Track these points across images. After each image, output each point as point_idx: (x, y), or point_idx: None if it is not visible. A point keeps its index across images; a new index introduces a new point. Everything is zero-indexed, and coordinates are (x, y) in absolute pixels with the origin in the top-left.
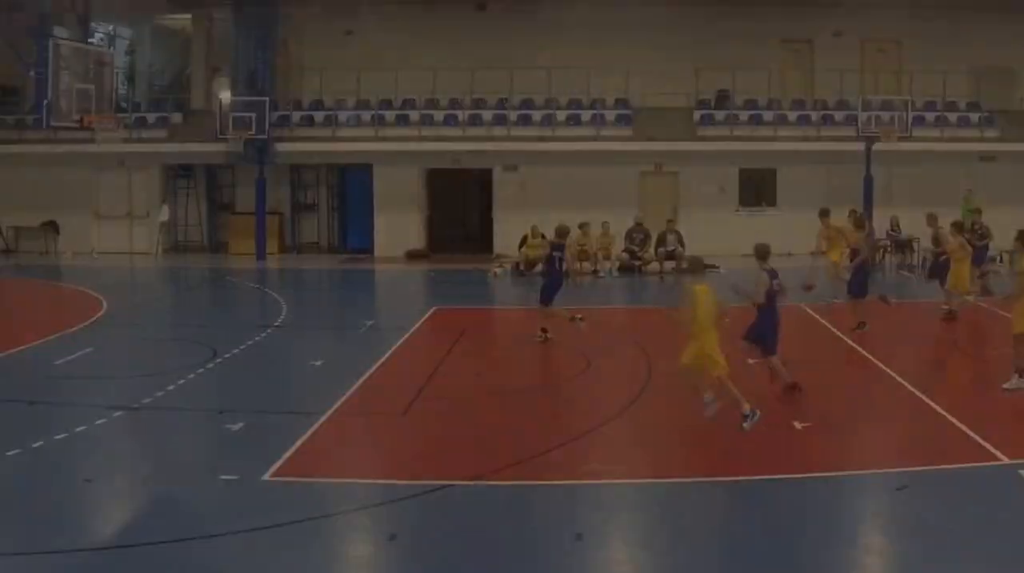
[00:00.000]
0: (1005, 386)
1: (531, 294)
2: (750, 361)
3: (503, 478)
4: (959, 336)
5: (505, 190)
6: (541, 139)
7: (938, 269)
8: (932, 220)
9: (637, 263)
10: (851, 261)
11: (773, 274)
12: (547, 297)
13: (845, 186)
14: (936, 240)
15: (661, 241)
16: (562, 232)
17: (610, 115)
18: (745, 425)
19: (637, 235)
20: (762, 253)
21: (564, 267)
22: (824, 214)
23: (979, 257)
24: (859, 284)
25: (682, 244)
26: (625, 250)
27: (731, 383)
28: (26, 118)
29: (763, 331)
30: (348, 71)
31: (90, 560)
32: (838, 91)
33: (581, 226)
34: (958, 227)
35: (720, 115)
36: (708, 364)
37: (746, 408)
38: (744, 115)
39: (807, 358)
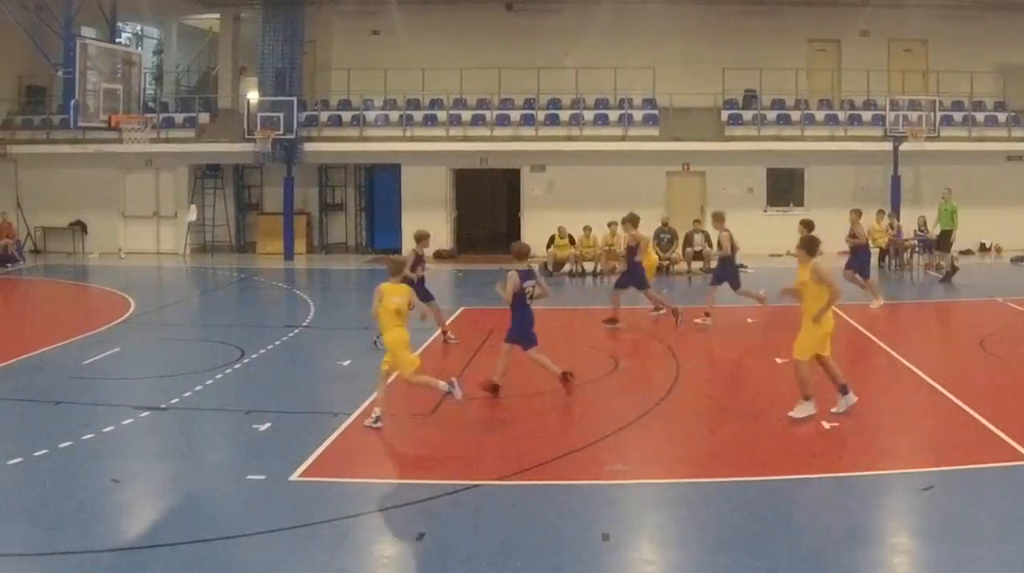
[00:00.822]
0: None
1: (559, 294)
2: (778, 360)
3: (530, 478)
4: (986, 334)
5: (533, 190)
6: (568, 139)
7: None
8: (856, 214)
9: (665, 263)
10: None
11: (527, 275)
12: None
13: (872, 186)
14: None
15: (688, 241)
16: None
17: (637, 115)
18: (454, 393)
19: (664, 236)
20: (520, 253)
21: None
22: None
23: (859, 259)
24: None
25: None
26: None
27: (422, 377)
28: (53, 118)
29: (518, 330)
30: (375, 71)
31: (117, 560)
32: (865, 91)
33: (609, 226)
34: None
35: (747, 115)
36: (396, 363)
37: (442, 385)
38: (771, 115)
39: (834, 357)
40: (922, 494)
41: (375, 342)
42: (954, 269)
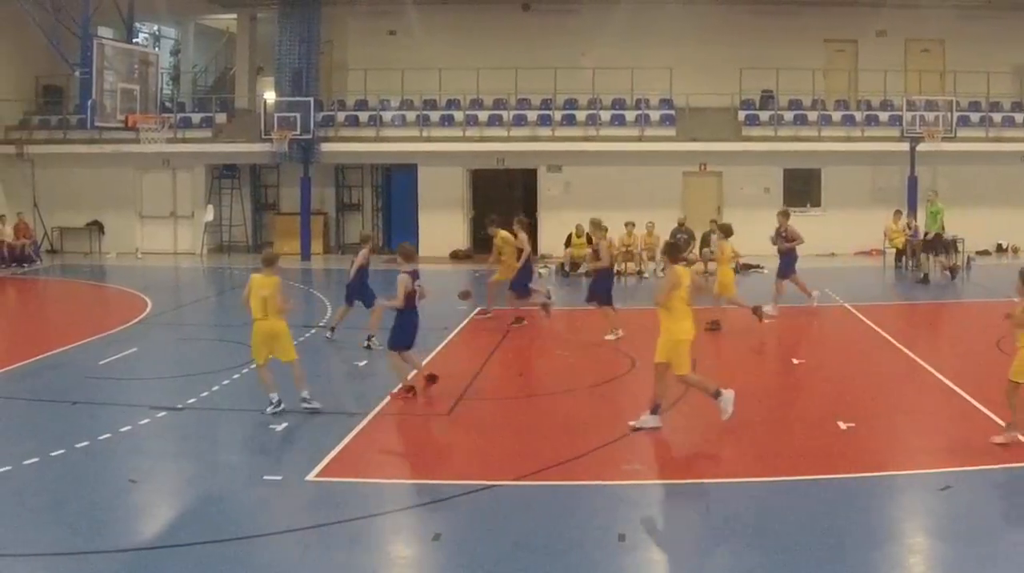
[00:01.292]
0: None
1: (576, 294)
2: (794, 361)
3: (546, 478)
4: (1002, 335)
5: (549, 190)
6: (585, 139)
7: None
8: (783, 216)
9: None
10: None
11: (415, 275)
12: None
13: (889, 186)
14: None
15: (705, 242)
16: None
17: (654, 115)
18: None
19: (681, 236)
20: (406, 254)
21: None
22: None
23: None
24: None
25: None
26: None
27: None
28: (70, 118)
29: (401, 333)
30: (392, 71)
31: (134, 560)
32: (882, 91)
33: (626, 226)
34: (726, 231)
35: (764, 115)
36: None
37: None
38: (788, 115)
39: (852, 358)
40: (939, 494)
41: (368, 345)
42: (954, 268)
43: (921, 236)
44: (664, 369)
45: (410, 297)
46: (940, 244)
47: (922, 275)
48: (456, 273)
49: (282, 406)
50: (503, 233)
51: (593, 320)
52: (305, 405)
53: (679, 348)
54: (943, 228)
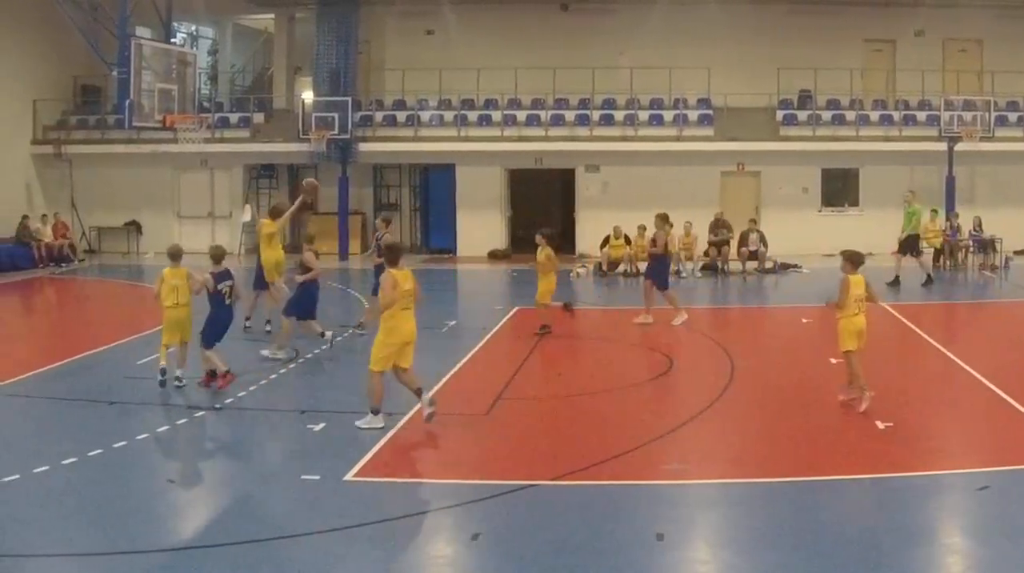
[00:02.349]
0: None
1: (614, 294)
2: (832, 361)
3: (585, 478)
4: None
5: (587, 190)
6: (623, 139)
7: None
8: (661, 221)
9: (719, 266)
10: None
11: (223, 276)
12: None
13: (927, 186)
14: (654, 241)
15: (743, 241)
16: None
17: (692, 115)
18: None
19: (720, 231)
20: (215, 256)
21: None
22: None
23: (656, 269)
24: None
25: (764, 244)
26: (710, 243)
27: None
28: (108, 118)
29: (210, 328)
30: (430, 71)
31: (172, 560)
32: (920, 91)
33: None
34: (548, 238)
35: (802, 115)
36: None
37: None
38: (826, 115)
39: (890, 357)
40: (977, 494)
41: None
42: (928, 278)
43: (956, 236)
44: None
45: (214, 296)
46: (916, 246)
47: (894, 278)
48: (494, 272)
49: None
50: (549, 251)
51: (631, 320)
52: (177, 383)
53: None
54: (916, 229)
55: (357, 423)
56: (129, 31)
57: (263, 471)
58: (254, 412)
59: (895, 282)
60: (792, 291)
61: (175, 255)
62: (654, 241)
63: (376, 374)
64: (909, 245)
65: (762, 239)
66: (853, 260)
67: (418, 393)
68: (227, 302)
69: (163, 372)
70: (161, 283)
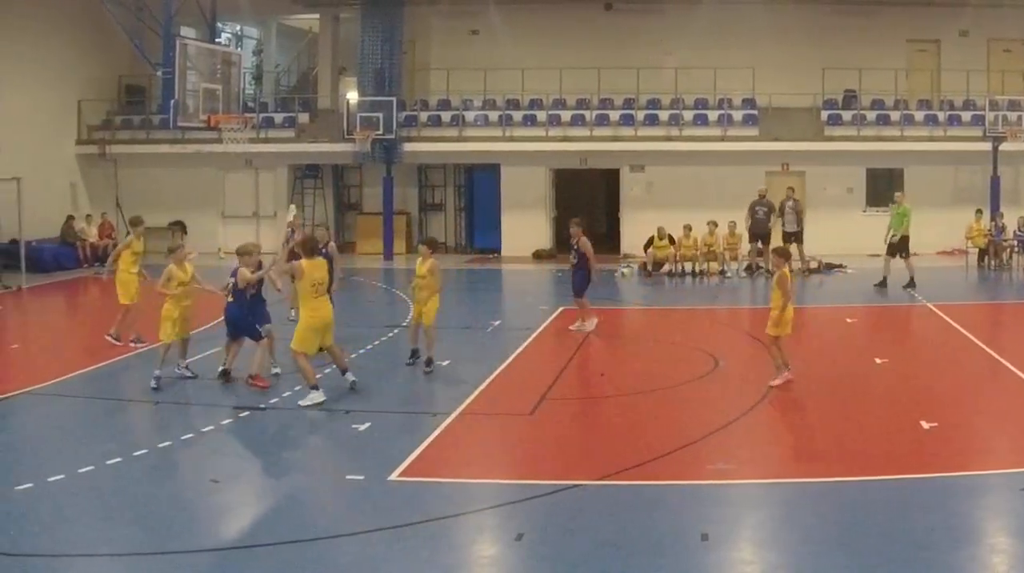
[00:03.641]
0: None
1: (659, 294)
2: (877, 361)
3: (629, 478)
4: None
5: (632, 190)
6: (668, 139)
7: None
8: (576, 224)
9: (761, 267)
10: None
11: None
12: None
13: (972, 186)
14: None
15: (780, 210)
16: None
17: (737, 115)
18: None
19: (760, 209)
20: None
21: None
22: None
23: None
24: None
25: (800, 219)
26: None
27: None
28: (153, 118)
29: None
30: (474, 71)
31: (216, 560)
32: (965, 91)
33: (708, 225)
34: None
35: (847, 115)
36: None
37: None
38: (871, 115)
39: (935, 357)
40: (1022, 494)
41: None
42: (911, 281)
43: (1001, 236)
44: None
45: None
46: (906, 247)
47: (882, 279)
48: (539, 272)
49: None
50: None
51: (675, 320)
52: (154, 384)
53: None
54: (907, 231)
55: (300, 402)
56: (174, 31)
57: (307, 471)
58: (299, 412)
59: (883, 284)
60: (837, 291)
61: (174, 251)
62: (577, 248)
63: (301, 355)
64: (901, 246)
65: (797, 212)
66: (784, 255)
67: (343, 371)
68: (228, 299)
69: (157, 378)
70: (167, 279)
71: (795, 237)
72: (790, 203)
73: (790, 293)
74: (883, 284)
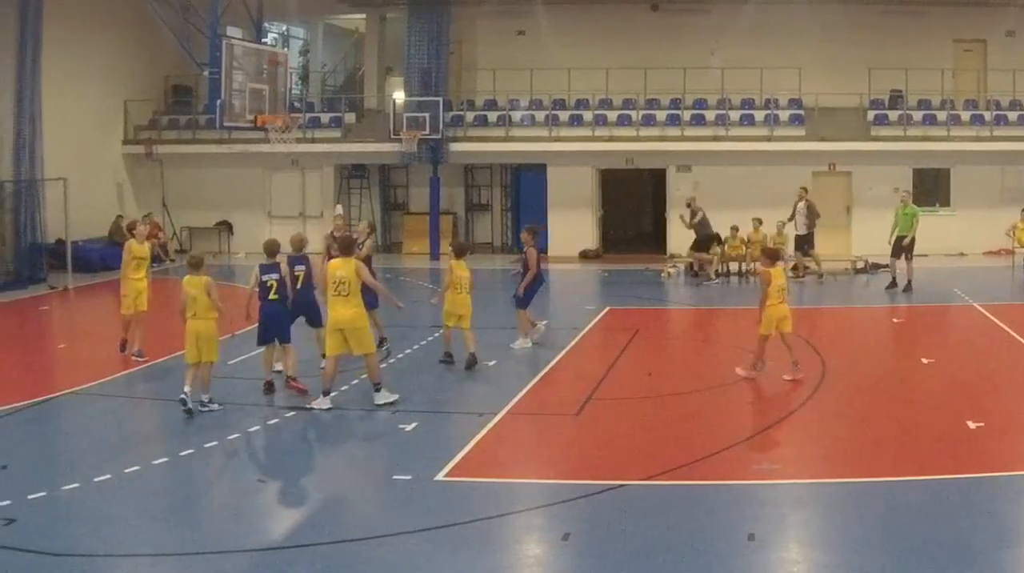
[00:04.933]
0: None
1: (704, 294)
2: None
3: (676, 478)
4: None
5: (678, 190)
6: (714, 139)
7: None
8: (528, 233)
9: (806, 268)
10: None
11: (268, 269)
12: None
13: (1019, 186)
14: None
15: (793, 214)
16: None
17: (783, 115)
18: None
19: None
20: (269, 250)
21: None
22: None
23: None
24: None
25: (812, 220)
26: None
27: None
28: (199, 118)
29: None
30: (521, 71)
31: (263, 560)
32: (1011, 91)
33: (753, 221)
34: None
35: (893, 115)
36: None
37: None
38: (917, 115)
39: (981, 357)
40: None
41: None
42: (908, 284)
43: None
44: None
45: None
46: (912, 249)
47: (890, 281)
48: (585, 272)
49: (210, 406)
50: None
51: (721, 320)
52: (203, 408)
53: None
54: (913, 232)
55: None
56: (220, 31)
57: (354, 471)
58: (345, 412)
59: (893, 285)
60: (883, 291)
61: (196, 264)
62: (526, 261)
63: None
64: (909, 247)
65: (810, 211)
66: (771, 255)
67: (376, 387)
68: (270, 297)
69: (183, 401)
70: (181, 293)
71: (806, 240)
72: (802, 205)
73: (771, 293)
74: (893, 285)
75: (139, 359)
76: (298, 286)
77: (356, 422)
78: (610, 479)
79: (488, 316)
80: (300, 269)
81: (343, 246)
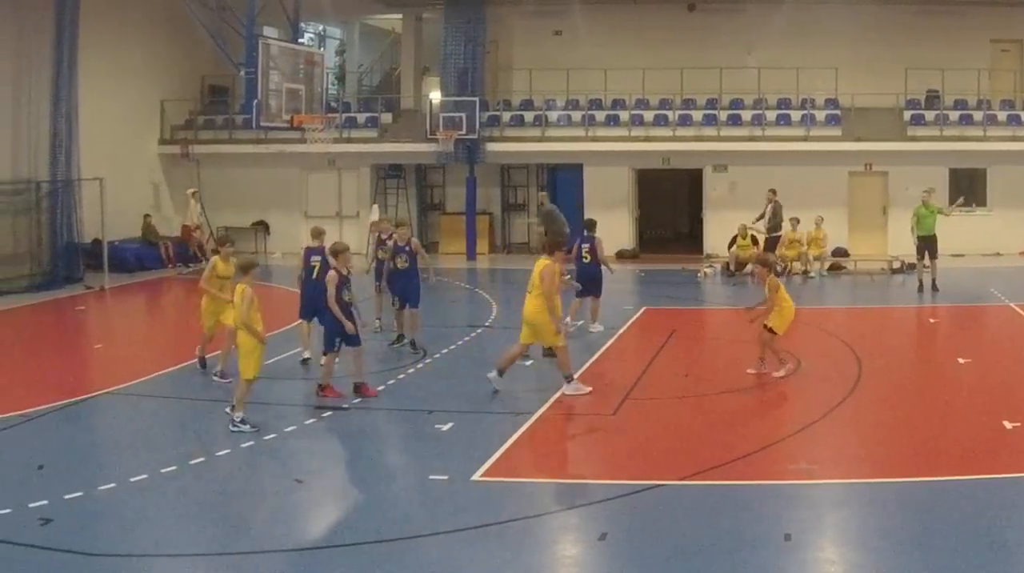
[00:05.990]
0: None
1: (741, 294)
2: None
3: (712, 478)
4: None
5: (715, 190)
6: (751, 139)
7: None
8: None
9: (844, 267)
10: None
11: (313, 251)
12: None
13: None
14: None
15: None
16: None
17: (820, 115)
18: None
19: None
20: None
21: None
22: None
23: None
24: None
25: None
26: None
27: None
28: (236, 118)
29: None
30: (557, 71)
31: (299, 560)
32: None
33: (790, 221)
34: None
35: (930, 115)
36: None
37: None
38: (954, 115)
39: (1017, 357)
40: None
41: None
42: (934, 283)
43: None
44: None
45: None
46: (936, 248)
47: (918, 283)
48: (622, 272)
49: (240, 427)
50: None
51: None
52: (232, 427)
53: None
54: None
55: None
56: (256, 31)
57: (390, 471)
58: (381, 412)
59: (921, 288)
60: (916, 292)
61: (243, 268)
62: (410, 249)
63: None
64: (933, 246)
65: (775, 214)
66: (767, 263)
67: (567, 378)
68: (313, 277)
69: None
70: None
71: (773, 244)
72: (771, 207)
73: (785, 295)
74: (922, 288)
75: (221, 381)
76: (314, 277)
77: (392, 422)
78: (647, 479)
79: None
80: (316, 259)
81: (552, 244)
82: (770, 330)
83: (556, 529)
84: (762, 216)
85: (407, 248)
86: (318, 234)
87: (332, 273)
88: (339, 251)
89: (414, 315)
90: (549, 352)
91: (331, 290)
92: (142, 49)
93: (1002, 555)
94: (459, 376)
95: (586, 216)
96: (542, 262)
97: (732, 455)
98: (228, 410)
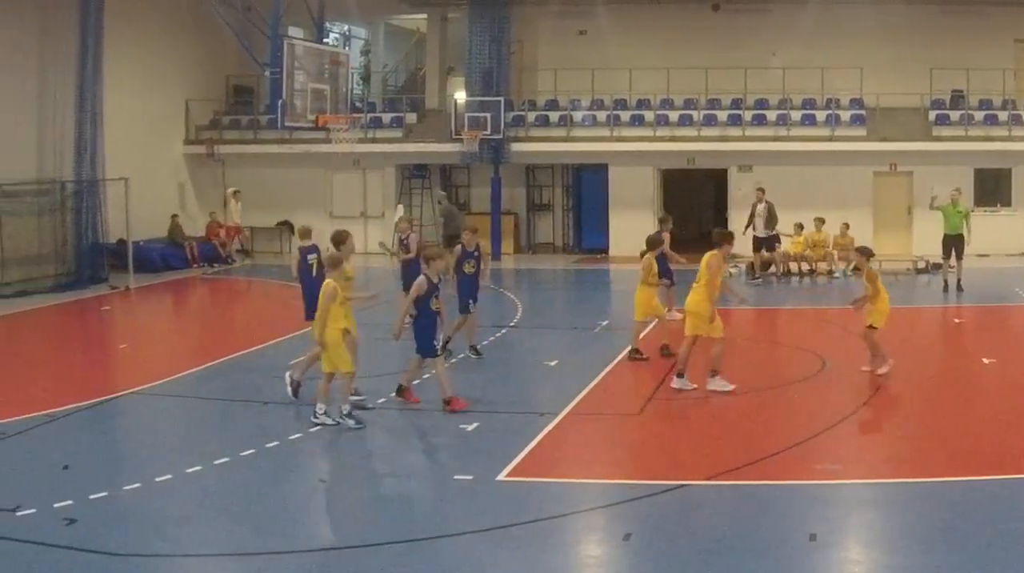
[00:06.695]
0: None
1: (766, 294)
2: (985, 360)
3: (737, 478)
4: None
5: (740, 190)
6: (776, 139)
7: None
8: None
9: (765, 270)
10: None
11: (310, 250)
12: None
13: None
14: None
15: (750, 220)
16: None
17: (844, 115)
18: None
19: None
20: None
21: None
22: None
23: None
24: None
25: (772, 222)
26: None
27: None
28: (261, 118)
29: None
30: (582, 71)
31: (324, 560)
32: None
33: (815, 221)
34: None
35: (955, 115)
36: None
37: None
38: (979, 115)
39: None
40: None
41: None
42: (959, 283)
43: None
44: None
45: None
46: (960, 249)
47: (943, 283)
48: None
49: (347, 421)
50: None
51: (782, 320)
52: (314, 419)
53: None
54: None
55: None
56: (281, 31)
57: (415, 471)
58: (407, 412)
59: (946, 288)
60: (942, 293)
61: (330, 263)
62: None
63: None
64: (960, 246)
65: (770, 213)
66: (867, 254)
67: (711, 373)
68: (313, 275)
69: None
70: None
71: (766, 243)
72: (761, 207)
73: (881, 287)
74: (947, 288)
75: (358, 397)
76: (312, 274)
77: (417, 422)
78: (672, 479)
79: (553, 316)
80: (312, 257)
81: (720, 237)
82: (871, 327)
83: (581, 529)
84: (751, 222)
85: (475, 254)
86: (306, 233)
87: (421, 279)
88: (431, 257)
89: (471, 320)
90: (666, 350)
91: (412, 295)
92: (167, 49)
93: None
94: (484, 375)
95: (610, 217)
96: (710, 253)
97: (757, 455)
98: (320, 411)
